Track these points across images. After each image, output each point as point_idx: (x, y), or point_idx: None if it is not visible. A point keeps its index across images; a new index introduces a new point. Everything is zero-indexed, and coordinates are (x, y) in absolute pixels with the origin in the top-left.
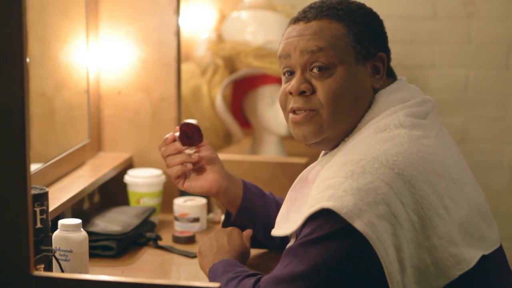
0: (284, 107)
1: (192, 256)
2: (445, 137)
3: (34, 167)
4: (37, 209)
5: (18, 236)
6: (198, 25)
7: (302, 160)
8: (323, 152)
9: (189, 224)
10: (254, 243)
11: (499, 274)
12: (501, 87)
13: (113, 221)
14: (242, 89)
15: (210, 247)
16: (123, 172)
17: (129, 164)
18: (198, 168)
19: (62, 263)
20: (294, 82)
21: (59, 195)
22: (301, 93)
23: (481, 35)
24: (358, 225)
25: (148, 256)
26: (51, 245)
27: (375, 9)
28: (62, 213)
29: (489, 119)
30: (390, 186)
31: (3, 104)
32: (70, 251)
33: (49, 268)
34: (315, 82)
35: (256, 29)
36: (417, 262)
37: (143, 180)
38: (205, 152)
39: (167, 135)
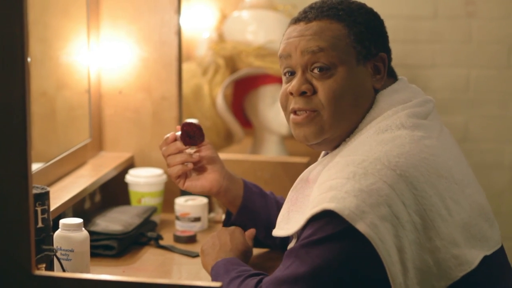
0: (285, 108)
1: (193, 255)
2: (446, 138)
3: (35, 166)
4: (39, 209)
5: (20, 236)
6: (199, 24)
7: (303, 160)
8: (323, 152)
9: (190, 224)
10: (255, 242)
11: (501, 274)
12: (502, 86)
13: (114, 221)
14: (243, 89)
15: (212, 246)
16: (124, 171)
17: (130, 164)
18: (199, 167)
19: (63, 262)
20: (295, 82)
21: (60, 194)
22: (302, 94)
23: (482, 34)
24: (361, 226)
25: (149, 256)
26: (53, 245)
27: (375, 9)
28: (63, 212)
29: (490, 119)
30: (392, 187)
31: (5, 103)
32: (72, 251)
33: (50, 267)
34: (316, 83)
35: (257, 29)
36: (419, 263)
37: (144, 179)
38: (205, 151)
39: (168, 135)
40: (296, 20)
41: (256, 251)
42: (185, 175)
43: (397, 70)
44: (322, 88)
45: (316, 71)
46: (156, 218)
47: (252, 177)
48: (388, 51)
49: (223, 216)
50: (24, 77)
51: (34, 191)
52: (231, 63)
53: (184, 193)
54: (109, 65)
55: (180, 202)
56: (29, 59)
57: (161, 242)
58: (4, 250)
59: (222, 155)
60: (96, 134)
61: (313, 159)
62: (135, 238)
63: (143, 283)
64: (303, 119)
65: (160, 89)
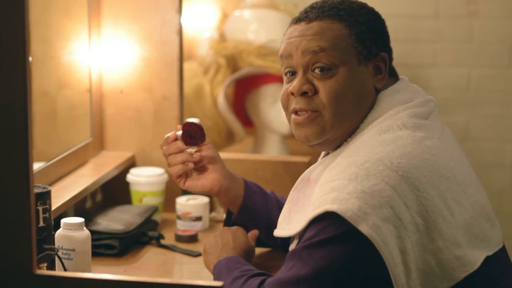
0: (286, 108)
1: (194, 254)
2: (448, 138)
3: (36, 166)
4: (40, 208)
5: (21, 235)
6: (200, 24)
7: (305, 159)
8: (324, 152)
9: (191, 223)
10: (256, 242)
11: (503, 274)
12: (503, 85)
13: (115, 220)
14: (245, 88)
15: (215, 245)
16: (125, 171)
17: (131, 163)
18: (200, 167)
19: (64, 261)
20: (296, 82)
21: (62, 193)
22: (303, 94)
23: (483, 34)
24: (363, 228)
25: (150, 255)
26: (54, 244)
27: (377, 8)
28: (64, 212)
29: (491, 118)
30: (394, 188)
31: (6, 103)
32: (73, 250)
33: (51, 266)
34: (317, 83)
35: (258, 28)
36: (422, 264)
37: (145, 179)
38: (206, 151)
39: (169, 134)
40: (297, 20)
41: (257, 250)
42: (185, 175)
43: (398, 69)
44: (323, 88)
45: (317, 71)
46: (157, 217)
47: (253, 177)
48: (389, 50)
49: (224, 216)
50: (25, 77)
51: (36, 190)
52: (232, 63)
53: (185, 192)
54: (110, 64)
55: (181, 202)
56: (30, 59)
57: (163, 242)
58: (5, 249)
59: (223, 155)
60: (97, 134)
61: (314, 158)
62: (136, 238)
63: (144, 283)
64: (304, 120)
65: (161, 88)
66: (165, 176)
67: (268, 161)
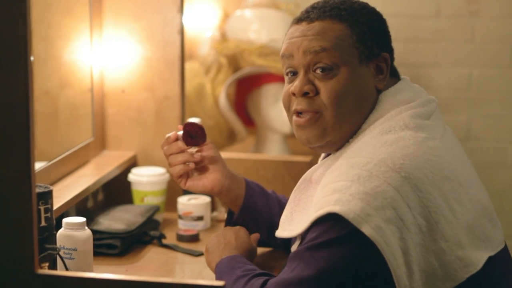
0: (287, 108)
1: (196, 254)
2: (449, 138)
3: (38, 165)
4: (42, 208)
5: (23, 235)
6: (202, 23)
7: (306, 159)
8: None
9: (193, 223)
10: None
11: (505, 274)
12: (504, 85)
13: (117, 220)
14: (246, 88)
15: (217, 244)
16: (127, 170)
17: (133, 163)
18: (201, 167)
19: (66, 261)
20: (297, 83)
21: (63, 193)
22: (304, 94)
23: (485, 33)
24: (366, 229)
25: (152, 255)
26: (56, 244)
27: (378, 8)
28: (66, 211)
29: (493, 118)
30: (397, 190)
31: (8, 102)
32: (75, 250)
33: (53, 266)
34: (318, 83)
35: (260, 28)
36: (424, 265)
37: (147, 178)
38: (207, 151)
39: (170, 134)
40: (298, 20)
41: (258, 250)
42: (186, 175)
43: (399, 69)
44: (325, 89)
45: (318, 71)
46: (159, 217)
47: (255, 176)
48: (390, 50)
49: (226, 215)
50: (27, 76)
51: (37, 190)
52: (234, 62)
53: (186, 192)
54: (112, 64)
55: (183, 201)
56: (32, 58)
57: (164, 241)
58: (7, 249)
59: (225, 154)
60: (99, 133)
61: (316, 158)
62: (138, 237)
63: (146, 282)
64: (305, 122)
65: (163, 88)
66: (167, 176)
67: (270, 161)
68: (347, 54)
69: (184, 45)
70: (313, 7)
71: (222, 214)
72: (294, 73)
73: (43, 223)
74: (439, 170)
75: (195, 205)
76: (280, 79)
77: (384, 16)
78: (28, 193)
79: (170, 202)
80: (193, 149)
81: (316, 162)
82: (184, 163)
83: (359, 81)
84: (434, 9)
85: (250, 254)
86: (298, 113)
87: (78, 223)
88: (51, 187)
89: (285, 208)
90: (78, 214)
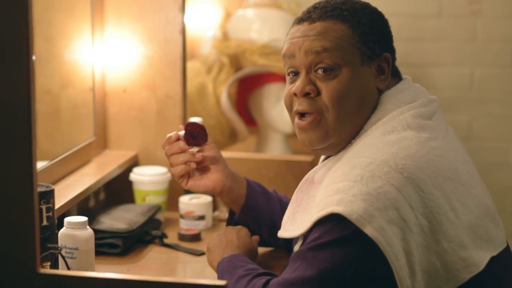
0: (289, 109)
1: (198, 253)
2: (451, 138)
3: (40, 164)
4: (43, 207)
5: (24, 234)
6: (204, 23)
7: (308, 158)
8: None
9: (194, 222)
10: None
11: (507, 274)
12: (506, 85)
13: (119, 219)
14: (248, 87)
15: (219, 243)
16: (128, 170)
17: (134, 162)
18: (202, 167)
19: (68, 260)
20: (298, 83)
21: (65, 192)
22: (306, 95)
23: (486, 33)
24: (368, 230)
25: (153, 254)
26: (57, 243)
27: (379, 7)
28: (68, 210)
29: (494, 117)
30: (399, 190)
31: (9, 102)
32: (76, 249)
33: (55, 265)
34: (319, 84)
35: (262, 27)
36: (427, 266)
37: (148, 178)
38: (209, 151)
39: (171, 134)
40: (299, 20)
41: (260, 250)
42: (188, 175)
43: (401, 68)
44: (326, 90)
45: (320, 71)
46: (160, 216)
47: (257, 176)
48: (392, 51)
49: (227, 215)
50: (29, 76)
51: (39, 189)
52: (236, 62)
53: (188, 191)
54: (114, 63)
55: (185, 201)
56: (33, 58)
57: (166, 241)
58: (9, 248)
59: (226, 154)
60: (101, 133)
61: (317, 157)
62: (139, 236)
63: (147, 281)
64: (307, 124)
65: (164, 87)
66: (168, 175)
67: (271, 160)
68: (349, 55)
69: (185, 44)
70: (314, 7)
71: (224, 213)
72: (296, 73)
73: (44, 222)
74: (441, 171)
75: (197, 205)
76: (281, 78)
77: (386, 16)
78: (30, 192)
79: (171, 201)
80: (194, 149)
81: (318, 162)
82: (185, 163)
83: (360, 81)
84: (436, 8)
85: (251, 254)
86: (300, 115)
87: (79, 223)
88: (53, 187)
89: (287, 209)
90: (80, 213)
